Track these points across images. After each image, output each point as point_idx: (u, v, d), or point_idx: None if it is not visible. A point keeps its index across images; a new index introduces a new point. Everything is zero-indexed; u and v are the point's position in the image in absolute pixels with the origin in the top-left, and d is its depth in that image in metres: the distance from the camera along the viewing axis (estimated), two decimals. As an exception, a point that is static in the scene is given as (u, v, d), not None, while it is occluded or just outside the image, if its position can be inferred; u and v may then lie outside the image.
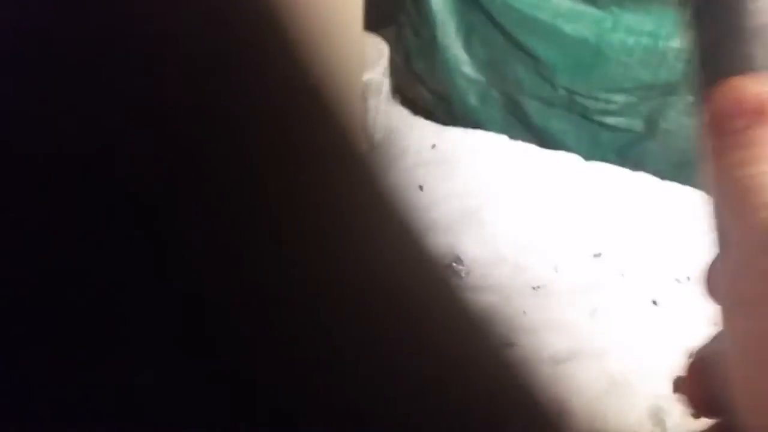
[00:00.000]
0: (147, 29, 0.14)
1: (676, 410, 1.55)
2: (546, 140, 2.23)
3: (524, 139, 2.25)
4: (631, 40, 2.07)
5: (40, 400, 0.12)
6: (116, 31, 0.14)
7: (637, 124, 2.19)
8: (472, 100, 2.28)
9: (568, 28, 2.07)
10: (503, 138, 2.26)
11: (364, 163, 0.19)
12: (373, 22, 2.05)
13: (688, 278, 1.84)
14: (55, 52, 0.13)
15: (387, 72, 2.42)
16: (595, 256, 1.95)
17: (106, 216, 0.13)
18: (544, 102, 2.21)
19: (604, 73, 2.13)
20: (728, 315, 0.21)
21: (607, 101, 2.18)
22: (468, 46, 2.22)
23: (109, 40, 0.14)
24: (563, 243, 1.99)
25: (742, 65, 0.23)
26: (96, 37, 0.14)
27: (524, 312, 1.81)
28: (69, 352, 0.13)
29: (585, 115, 2.18)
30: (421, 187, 2.16)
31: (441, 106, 2.30)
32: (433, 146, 2.30)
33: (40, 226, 0.13)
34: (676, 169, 2.17)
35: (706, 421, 0.25)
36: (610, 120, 2.20)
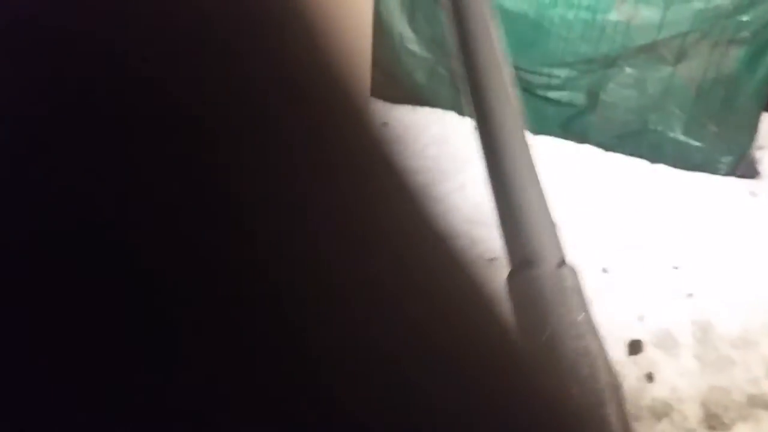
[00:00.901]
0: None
1: (631, 373, 1.60)
2: (492, 115, 2.25)
3: (471, 115, 2.27)
4: (570, 15, 2.10)
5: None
6: None
7: (580, 98, 2.23)
8: (420, 77, 2.28)
9: (509, 3, 2.09)
10: (453, 114, 2.27)
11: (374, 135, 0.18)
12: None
13: (637, 246, 1.90)
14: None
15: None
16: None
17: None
18: (488, 78, 2.23)
19: (545, 48, 2.16)
20: None
21: (550, 76, 2.21)
22: (413, 24, 2.22)
23: None
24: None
25: None
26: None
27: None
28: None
29: (529, 90, 2.21)
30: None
31: (389, 84, 2.30)
32: (385, 124, 2.29)
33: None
34: (618, 140, 2.22)
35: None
36: (553, 94, 2.24)
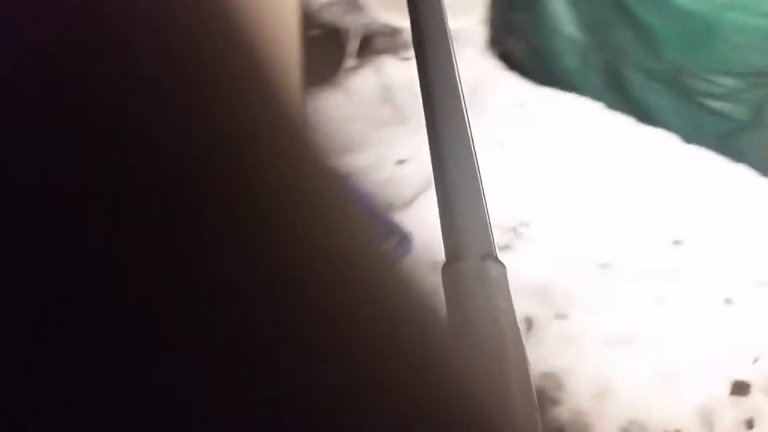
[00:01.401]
0: None
1: (729, 414, 1.48)
2: (644, 115, 2.11)
3: (621, 110, 2.13)
4: (747, 21, 1.92)
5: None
6: None
7: (743, 112, 2.04)
8: (570, 61, 2.17)
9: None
10: (598, 106, 2.15)
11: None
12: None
13: (769, 282, 1.73)
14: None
15: (483, 21, 2.34)
16: (675, 243, 1.86)
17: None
18: (646, 74, 2.08)
19: (714, 53, 1.99)
20: None
21: (714, 83, 2.03)
22: (573, 3, 2.11)
23: None
24: (642, 223, 1.90)
25: None
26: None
27: (586, 287, 1.75)
28: None
29: (688, 94, 2.05)
30: (502, 145, 2.09)
31: (536, 63, 2.20)
32: (521, 104, 2.22)
33: None
34: (778, 165, 2.03)
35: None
36: (714, 104, 2.06)
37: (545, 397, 1.53)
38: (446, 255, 0.58)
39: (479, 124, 2.18)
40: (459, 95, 0.66)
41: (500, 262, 0.54)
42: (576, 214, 1.90)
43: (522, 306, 1.69)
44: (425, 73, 0.63)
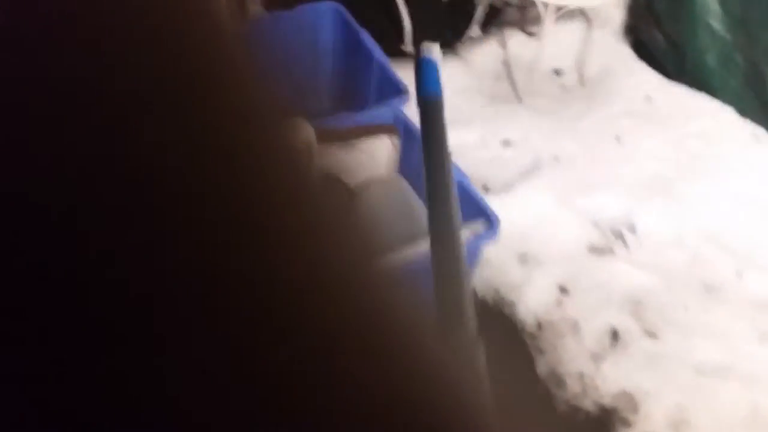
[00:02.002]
0: None
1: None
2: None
3: (756, 119, 1.94)
4: None
5: None
6: None
7: None
8: (711, 59, 1.99)
9: None
10: (730, 111, 1.97)
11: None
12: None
13: None
14: None
15: (621, 4, 2.18)
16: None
17: None
18: (794, 83, 1.88)
19: None
20: None
21: None
22: (723, -2, 1.92)
23: None
24: (759, 247, 1.73)
25: None
26: None
27: (685, 308, 1.62)
28: None
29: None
30: (618, 139, 1.96)
31: (672, 56, 2.04)
32: (648, 98, 2.06)
33: None
34: None
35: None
36: None
37: (616, 417, 1.44)
38: None
39: (600, 113, 2.05)
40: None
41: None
42: (687, 226, 1.76)
43: (610, 316, 1.59)
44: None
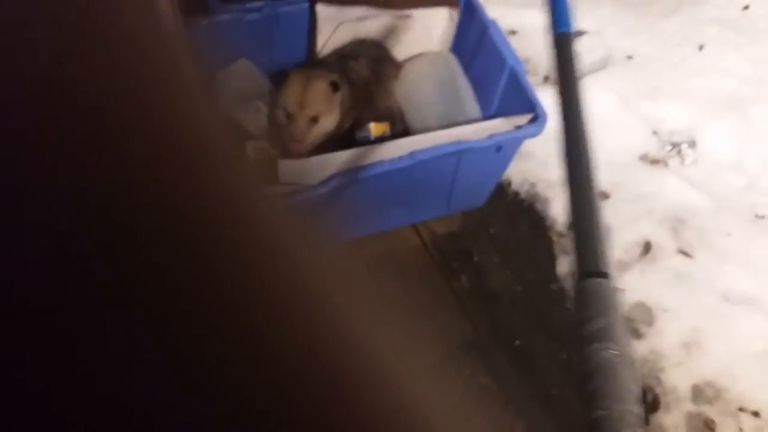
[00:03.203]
0: None
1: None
2: None
3: None
4: None
5: None
6: None
7: None
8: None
9: None
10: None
11: None
12: None
13: None
14: None
15: None
16: None
17: None
18: None
19: None
20: None
21: None
22: None
23: None
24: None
25: None
26: None
27: (727, 234, 1.57)
28: None
29: None
30: (701, 47, 1.83)
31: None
32: (745, 7, 1.90)
33: None
34: None
35: None
36: None
37: (630, 328, 1.45)
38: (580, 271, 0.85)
39: (688, 15, 1.90)
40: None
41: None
42: (751, 152, 1.66)
43: (647, 228, 1.55)
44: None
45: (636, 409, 0.67)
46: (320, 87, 1.30)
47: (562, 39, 1.04)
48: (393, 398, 0.15)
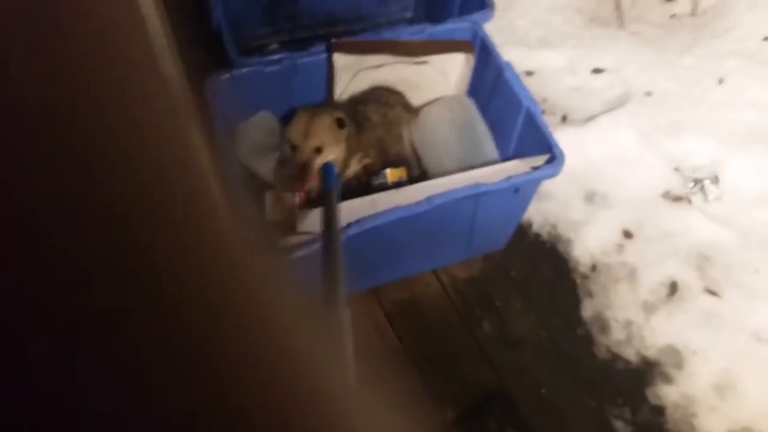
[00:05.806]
0: None
1: None
2: None
3: None
4: None
5: None
6: None
7: None
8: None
9: None
10: None
11: None
12: None
13: None
14: None
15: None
16: None
17: None
18: None
19: None
20: None
21: None
22: None
23: None
24: None
25: None
26: None
27: (756, 270, 1.53)
28: None
29: None
30: (721, 81, 1.81)
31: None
32: (766, 39, 1.88)
33: None
34: None
35: None
36: None
37: (657, 371, 1.41)
38: None
39: (707, 49, 1.89)
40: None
41: None
42: (777, 185, 1.63)
43: (672, 268, 1.52)
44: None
45: None
46: (325, 121, 1.30)
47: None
48: None
